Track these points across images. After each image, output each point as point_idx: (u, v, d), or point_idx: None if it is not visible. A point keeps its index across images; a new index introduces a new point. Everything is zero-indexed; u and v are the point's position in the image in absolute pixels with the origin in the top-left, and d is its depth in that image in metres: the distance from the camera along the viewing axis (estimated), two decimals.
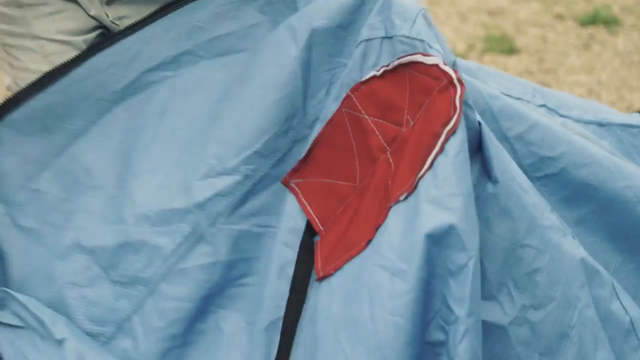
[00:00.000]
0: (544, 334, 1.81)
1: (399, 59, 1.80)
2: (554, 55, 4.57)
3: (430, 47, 1.79)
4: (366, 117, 1.82)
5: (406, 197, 1.70)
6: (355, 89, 1.83)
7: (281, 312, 1.77)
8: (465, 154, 1.70)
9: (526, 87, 2.14)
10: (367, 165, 1.81)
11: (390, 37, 1.82)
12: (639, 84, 4.25)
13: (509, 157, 1.86)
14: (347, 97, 1.83)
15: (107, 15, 1.96)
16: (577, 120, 2.13)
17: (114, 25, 1.97)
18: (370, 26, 1.85)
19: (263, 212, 1.82)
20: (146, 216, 1.80)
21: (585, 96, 4.15)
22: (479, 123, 1.81)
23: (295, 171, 1.84)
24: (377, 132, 1.80)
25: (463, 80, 1.75)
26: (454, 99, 1.72)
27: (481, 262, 1.76)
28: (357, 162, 1.82)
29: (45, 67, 1.92)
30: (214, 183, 1.80)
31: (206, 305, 1.77)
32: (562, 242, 1.81)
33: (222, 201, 1.80)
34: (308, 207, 1.82)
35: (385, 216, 1.72)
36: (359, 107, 1.82)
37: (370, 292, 1.66)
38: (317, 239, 1.81)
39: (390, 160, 1.77)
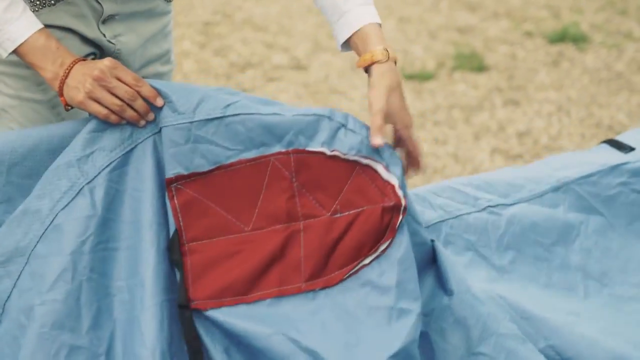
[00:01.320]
0: None
1: (361, 156, 1.82)
2: (524, 72, 4.58)
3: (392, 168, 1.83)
4: (294, 181, 1.83)
5: (321, 289, 1.78)
6: (297, 152, 1.83)
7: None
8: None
9: (467, 192, 2.18)
10: (268, 220, 1.83)
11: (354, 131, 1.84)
12: (608, 101, 4.27)
13: (463, 271, 1.94)
14: (286, 153, 1.83)
15: (105, 35, 1.96)
16: (530, 199, 2.18)
17: (110, 45, 1.98)
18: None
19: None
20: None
21: (554, 113, 4.17)
22: (432, 240, 1.90)
23: (183, 177, 1.82)
24: (297, 199, 1.82)
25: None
26: (395, 223, 1.79)
27: None
28: (256, 210, 1.83)
29: (39, 96, 1.95)
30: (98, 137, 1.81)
31: (74, 263, 1.76)
32: (519, 349, 1.85)
33: (105, 156, 1.81)
34: (179, 216, 1.82)
35: (292, 292, 1.77)
36: (292, 168, 1.83)
37: None
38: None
39: (302, 233, 1.81)
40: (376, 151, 1.82)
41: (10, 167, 1.82)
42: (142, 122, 1.81)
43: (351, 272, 1.79)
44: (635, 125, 4.01)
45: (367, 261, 1.79)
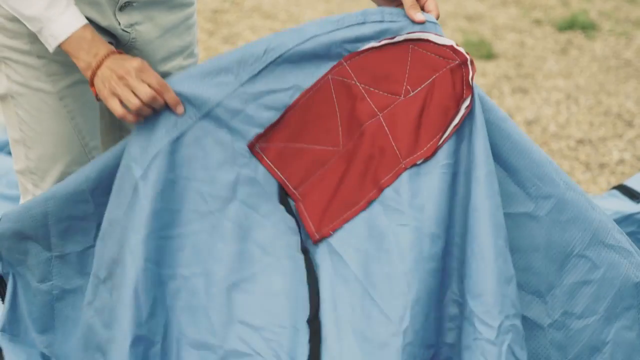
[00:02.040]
0: (578, 343, 1.89)
1: (407, 33, 1.85)
2: (532, 60, 4.57)
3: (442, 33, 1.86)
4: (357, 84, 1.86)
5: (423, 162, 1.78)
6: (349, 57, 1.86)
7: (244, 272, 1.80)
8: (482, 135, 1.79)
9: None
10: (352, 129, 1.86)
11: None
12: (616, 89, 4.26)
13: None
14: (339, 64, 1.86)
15: (119, 23, 1.96)
16: None
17: (125, 34, 1.98)
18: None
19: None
20: None
21: (563, 101, 4.16)
22: None
23: (261, 136, 1.86)
24: (367, 99, 1.85)
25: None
26: (468, 79, 1.81)
27: (543, 258, 1.88)
28: (339, 127, 1.86)
29: (48, 87, 1.95)
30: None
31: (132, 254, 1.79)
32: (622, 263, 1.88)
33: (152, 147, 1.83)
34: (276, 170, 1.85)
35: (395, 178, 1.79)
36: (351, 74, 1.86)
37: (403, 251, 1.73)
38: (292, 202, 1.85)
39: (384, 124, 1.83)
40: (419, 24, 1.85)
41: (92, 191, 1.89)
42: (180, 109, 1.83)
43: (444, 136, 1.80)
44: None
45: (456, 121, 1.80)
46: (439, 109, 1.80)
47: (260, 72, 1.84)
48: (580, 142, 3.81)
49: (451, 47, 1.82)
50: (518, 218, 1.87)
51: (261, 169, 1.85)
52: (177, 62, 2.10)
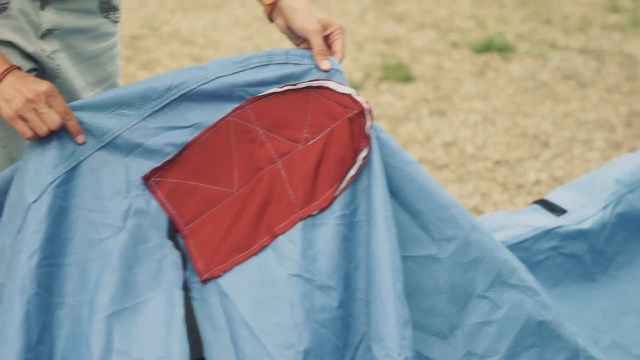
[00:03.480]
0: None
1: (310, 81, 1.86)
2: (450, 83, 4.61)
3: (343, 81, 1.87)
4: (258, 128, 1.86)
5: (318, 213, 1.79)
6: (251, 101, 1.87)
7: (127, 302, 1.78)
8: (380, 184, 1.80)
9: None
10: (249, 173, 1.86)
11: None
12: (533, 110, 4.31)
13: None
14: (241, 107, 1.86)
15: (43, 50, 1.94)
16: None
17: (49, 60, 1.95)
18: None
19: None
20: None
21: (480, 122, 4.20)
22: None
23: (157, 169, 1.85)
24: (267, 144, 1.85)
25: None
26: (364, 128, 1.81)
27: (446, 299, 1.89)
28: (235, 169, 1.87)
29: None
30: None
31: (23, 279, 1.76)
32: (526, 302, 1.91)
33: (48, 173, 1.81)
34: (168, 205, 1.85)
35: (290, 226, 1.79)
36: (252, 118, 1.87)
37: (293, 302, 1.73)
38: (181, 239, 1.84)
39: (283, 171, 1.83)
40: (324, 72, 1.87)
41: None
42: (81, 139, 1.81)
43: (340, 187, 1.80)
44: (560, 133, 4.06)
45: (352, 172, 1.81)
46: (336, 159, 1.81)
47: (162, 108, 1.84)
48: (497, 163, 3.83)
49: (349, 96, 1.83)
50: (422, 260, 1.89)
51: (154, 202, 1.84)
52: (98, 92, 2.08)
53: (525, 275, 1.92)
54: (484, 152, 3.93)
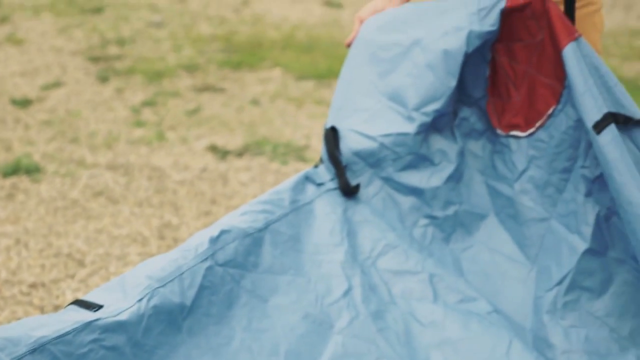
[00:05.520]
0: None
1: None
2: None
3: None
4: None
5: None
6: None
7: None
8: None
9: None
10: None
11: None
12: (65, 229, 4.29)
13: None
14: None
15: None
16: None
17: None
18: None
19: None
20: None
21: (13, 246, 4.10)
22: None
23: None
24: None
25: None
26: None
27: None
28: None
29: None
30: None
31: None
32: None
33: None
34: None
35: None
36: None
37: None
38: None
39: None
40: None
41: None
42: None
43: None
44: (95, 251, 4.07)
45: None
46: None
47: None
48: (32, 286, 3.76)
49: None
50: None
51: None
52: None
53: None
54: (18, 276, 3.83)
